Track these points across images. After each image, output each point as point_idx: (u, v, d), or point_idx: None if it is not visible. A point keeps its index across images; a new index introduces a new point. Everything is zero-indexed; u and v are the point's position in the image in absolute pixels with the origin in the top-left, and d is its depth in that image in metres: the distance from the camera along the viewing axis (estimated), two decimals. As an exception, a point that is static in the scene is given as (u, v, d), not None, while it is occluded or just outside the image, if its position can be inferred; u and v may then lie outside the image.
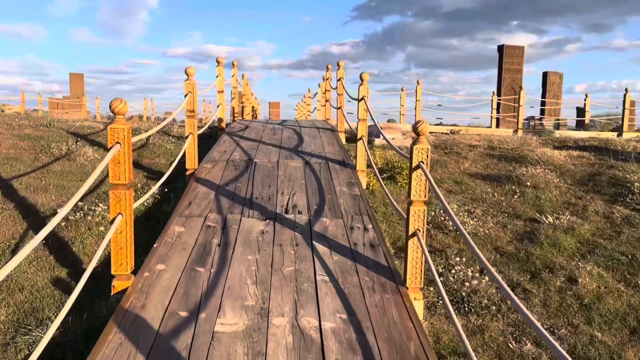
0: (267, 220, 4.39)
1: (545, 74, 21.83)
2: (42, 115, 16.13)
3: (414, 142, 3.40)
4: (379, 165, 6.72)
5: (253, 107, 18.86)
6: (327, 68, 10.67)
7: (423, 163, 3.32)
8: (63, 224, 4.52)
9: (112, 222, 3.19)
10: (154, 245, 3.83)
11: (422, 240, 3.31)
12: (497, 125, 18.57)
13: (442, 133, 13.23)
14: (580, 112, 23.02)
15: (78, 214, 4.66)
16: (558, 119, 18.79)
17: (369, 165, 5.97)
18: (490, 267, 2.42)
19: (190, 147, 5.65)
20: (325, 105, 11.03)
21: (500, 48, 20.36)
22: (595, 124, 21.47)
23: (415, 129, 3.32)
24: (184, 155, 5.70)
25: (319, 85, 14.93)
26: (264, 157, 6.28)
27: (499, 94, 21.07)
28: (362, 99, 5.79)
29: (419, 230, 3.35)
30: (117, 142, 3.16)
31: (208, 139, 8.73)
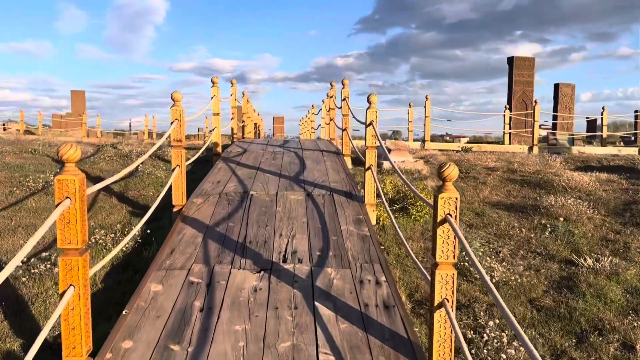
0: (262, 272, 3.73)
1: (556, 86, 21.19)
2: (34, 138, 15.54)
3: (439, 190, 2.73)
4: (390, 195, 6.06)
5: (256, 124, 18.32)
6: (331, 85, 10.07)
7: (451, 216, 2.65)
8: (24, 279, 3.87)
9: (62, 295, 2.54)
10: (123, 312, 3.17)
11: (451, 313, 2.63)
12: (510, 141, 17.88)
13: (454, 151, 12.59)
14: (591, 124, 22.30)
15: (44, 265, 4.02)
16: (572, 134, 18.05)
17: (378, 195, 5.32)
18: (527, 340, 1.74)
19: (177, 181, 5.01)
20: (329, 123, 10.41)
21: (510, 60, 19.75)
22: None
23: (440, 174, 2.66)
24: (171, 189, 5.06)
25: (322, 101, 14.36)
26: (262, 189, 5.64)
27: (509, 106, 20.41)
28: (371, 124, 5.14)
29: (447, 299, 2.68)
30: (67, 197, 2.52)
31: (205, 164, 8.13)
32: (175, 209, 5.03)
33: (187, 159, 8.18)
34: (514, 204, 6.18)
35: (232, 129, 9.99)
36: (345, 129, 7.60)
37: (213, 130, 7.44)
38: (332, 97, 10.03)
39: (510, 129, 16.68)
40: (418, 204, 5.66)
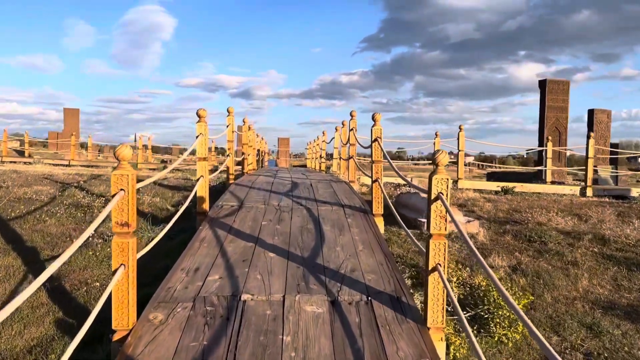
0: None
1: (590, 112, 19.31)
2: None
3: None
4: (457, 294, 4.06)
5: (259, 151, 16.45)
6: (351, 115, 8.17)
7: None
8: None
9: None
10: None
11: None
12: (544, 177, 15.90)
13: (493, 191, 10.62)
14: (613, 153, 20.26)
15: None
16: (616, 170, 15.89)
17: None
18: None
19: (120, 290, 3.04)
20: (349, 160, 8.47)
21: (542, 83, 17.89)
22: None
23: None
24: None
25: (336, 129, 12.47)
26: (261, 288, 3.66)
27: (540, 135, 18.51)
28: (439, 197, 3.17)
29: None
30: None
31: (191, 219, 6.17)
32: (115, 337, 3.05)
33: (166, 216, 6.22)
34: (634, 306, 4.16)
35: (228, 169, 8.06)
36: (376, 180, 5.64)
37: (198, 180, 5.48)
38: (352, 129, 8.11)
39: (543, 162, 14.61)
40: (503, 312, 3.66)
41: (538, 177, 15.89)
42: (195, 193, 5.44)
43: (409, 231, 4.78)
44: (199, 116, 5.44)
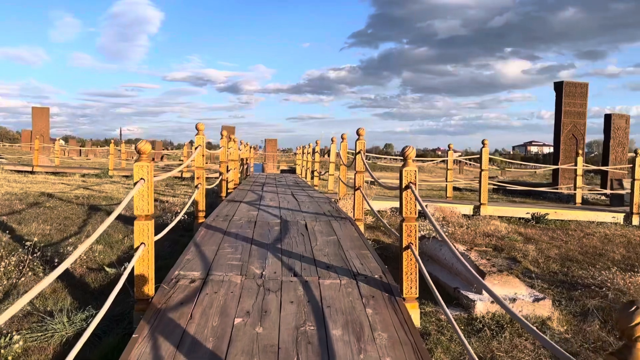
0: None
1: (607, 117, 17.66)
2: None
3: None
4: None
5: (243, 160, 14.53)
6: (358, 134, 6.32)
7: None
8: None
9: None
10: None
11: None
12: (559, 187, 14.21)
13: (522, 219, 8.85)
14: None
15: None
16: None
17: None
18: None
19: None
20: (355, 193, 6.58)
21: (559, 85, 16.19)
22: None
23: None
24: None
25: (332, 140, 10.61)
26: None
27: (556, 142, 16.82)
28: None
29: None
30: None
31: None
32: None
33: (102, 285, 4.31)
34: None
35: (197, 203, 6.13)
36: (409, 247, 3.77)
37: (137, 250, 3.55)
38: (360, 152, 6.24)
39: (559, 177, 12.85)
40: None
41: (552, 192, 14.22)
42: (133, 269, 3.53)
43: (464, 340, 2.93)
44: (139, 152, 3.52)
